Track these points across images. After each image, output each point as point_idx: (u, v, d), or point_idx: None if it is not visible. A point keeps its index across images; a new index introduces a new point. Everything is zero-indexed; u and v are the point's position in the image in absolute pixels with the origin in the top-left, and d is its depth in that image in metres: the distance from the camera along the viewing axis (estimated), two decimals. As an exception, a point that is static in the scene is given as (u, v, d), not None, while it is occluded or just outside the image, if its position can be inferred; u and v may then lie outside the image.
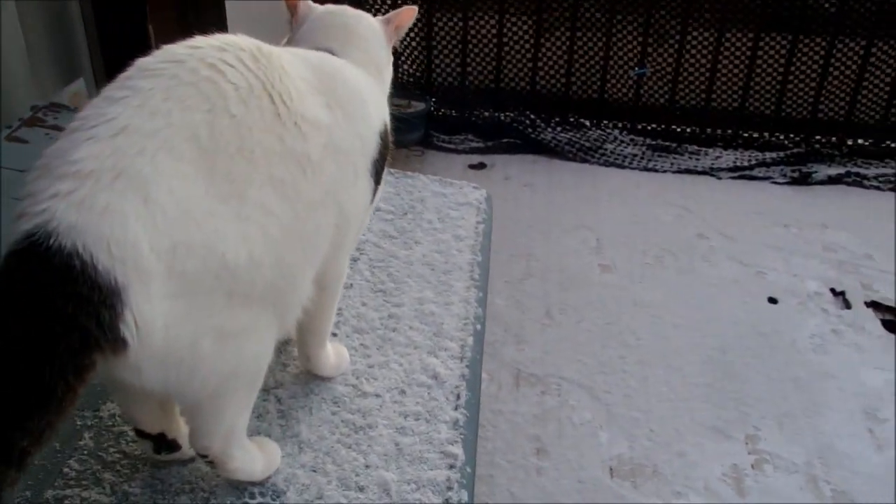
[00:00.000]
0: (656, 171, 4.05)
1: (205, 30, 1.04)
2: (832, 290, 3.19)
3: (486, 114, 4.26)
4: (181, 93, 0.91)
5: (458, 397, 1.31)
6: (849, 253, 3.43)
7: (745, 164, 4.02)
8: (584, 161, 4.10)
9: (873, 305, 3.12)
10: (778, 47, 3.99)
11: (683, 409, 2.67)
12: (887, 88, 3.98)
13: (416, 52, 4.26)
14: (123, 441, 1.17)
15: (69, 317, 0.78)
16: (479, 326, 1.48)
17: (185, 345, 0.90)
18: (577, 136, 4.17)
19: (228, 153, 0.91)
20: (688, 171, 4.02)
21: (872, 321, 3.05)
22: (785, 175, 3.95)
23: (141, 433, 1.11)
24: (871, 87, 3.99)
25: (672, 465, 2.47)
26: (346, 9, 1.32)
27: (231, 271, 0.90)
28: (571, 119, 4.24)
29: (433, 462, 1.19)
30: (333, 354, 1.33)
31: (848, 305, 3.12)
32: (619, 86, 4.21)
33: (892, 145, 4.06)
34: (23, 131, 1.79)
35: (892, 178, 3.90)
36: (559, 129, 4.20)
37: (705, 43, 4.03)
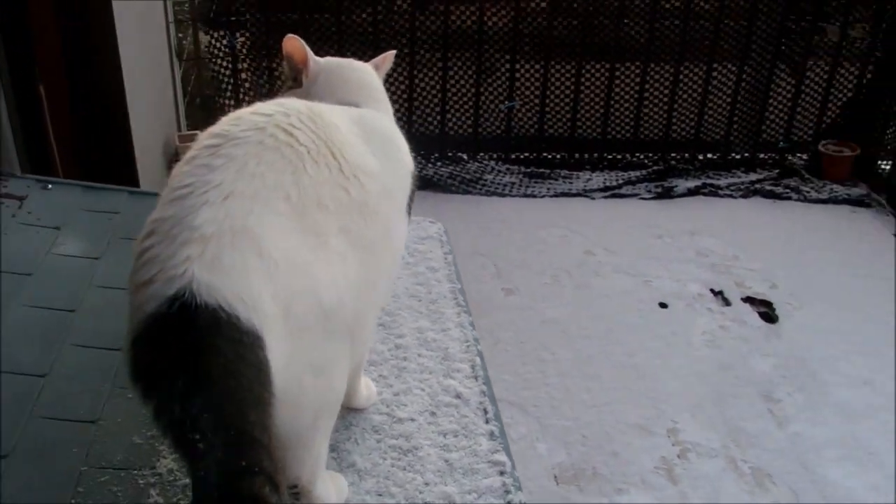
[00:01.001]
0: (535, 196, 4.30)
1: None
2: (712, 291, 3.53)
3: (367, 155, 4.36)
4: (269, 157, 0.99)
5: (486, 411, 1.42)
6: (718, 256, 3.80)
7: (614, 183, 4.35)
8: (466, 192, 4.30)
9: (749, 301, 3.47)
10: (631, 76, 4.37)
11: (607, 412, 2.88)
12: (727, 108, 4.45)
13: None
14: (189, 492, 1.19)
15: (245, 350, 0.86)
16: (479, 347, 1.59)
17: (294, 381, 0.97)
18: (457, 169, 4.37)
19: (311, 208, 1.00)
20: (563, 195, 4.31)
21: (750, 314, 3.40)
22: (650, 191, 4.32)
23: None
24: (714, 107, 4.46)
25: (609, 465, 2.66)
26: (353, 62, 1.40)
27: (326, 312, 0.99)
28: (450, 154, 4.44)
29: (484, 472, 1.29)
30: (364, 387, 1.40)
31: (728, 303, 3.46)
32: (490, 120, 4.45)
33: (737, 157, 4.54)
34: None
35: (742, 187, 4.35)
36: (439, 164, 4.39)
37: (567, 76, 4.35)
